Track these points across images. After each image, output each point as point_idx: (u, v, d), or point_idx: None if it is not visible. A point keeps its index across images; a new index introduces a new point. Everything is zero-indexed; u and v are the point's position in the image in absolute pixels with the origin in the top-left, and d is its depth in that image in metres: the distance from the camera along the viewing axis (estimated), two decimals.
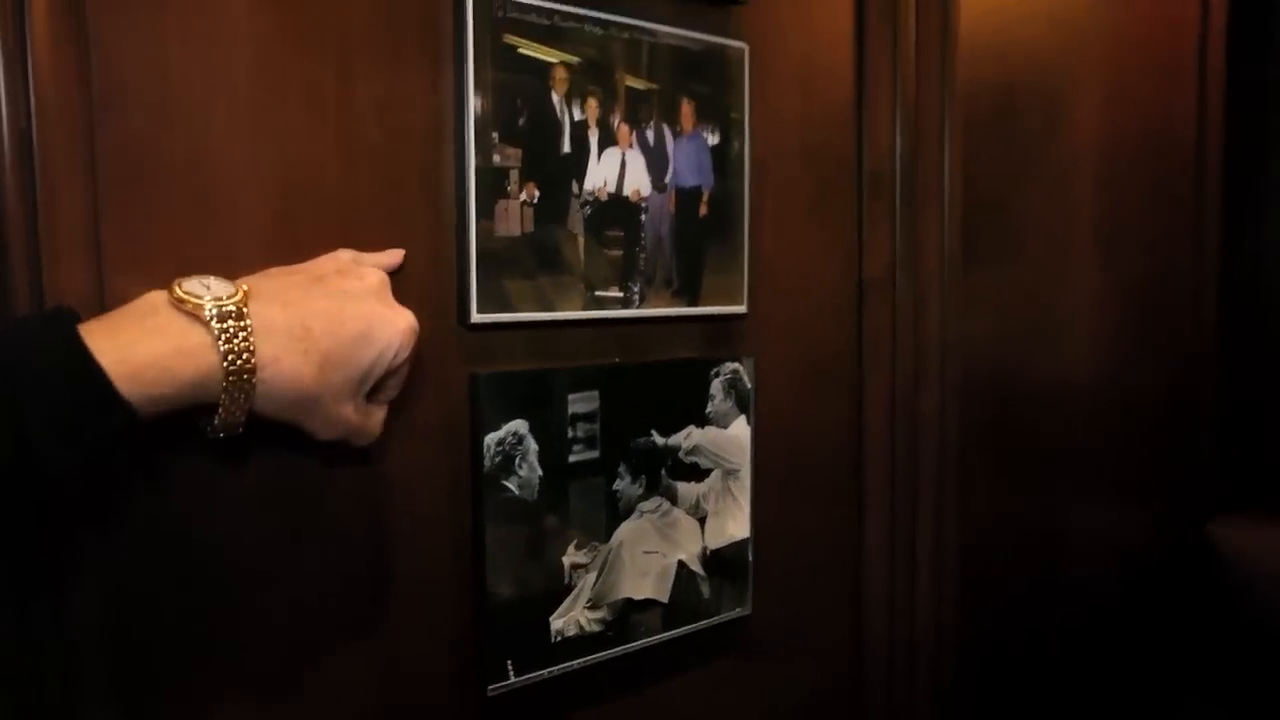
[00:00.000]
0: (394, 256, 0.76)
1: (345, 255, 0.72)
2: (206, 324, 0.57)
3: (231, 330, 0.58)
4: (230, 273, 0.64)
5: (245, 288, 0.61)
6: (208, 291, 0.59)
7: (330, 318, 0.63)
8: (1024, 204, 1.33)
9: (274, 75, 0.70)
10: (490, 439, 0.83)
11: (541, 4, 0.83)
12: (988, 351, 1.31)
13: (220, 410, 0.59)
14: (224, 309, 0.58)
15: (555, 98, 0.85)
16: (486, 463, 0.82)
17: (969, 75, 1.22)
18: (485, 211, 0.81)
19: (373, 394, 0.69)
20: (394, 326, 0.66)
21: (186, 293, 0.58)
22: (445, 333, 0.80)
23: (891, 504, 1.20)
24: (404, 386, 0.72)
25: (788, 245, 1.07)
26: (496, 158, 0.81)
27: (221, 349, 0.58)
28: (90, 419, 0.53)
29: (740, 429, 1.02)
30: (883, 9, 1.14)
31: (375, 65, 0.75)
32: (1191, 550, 1.61)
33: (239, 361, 0.58)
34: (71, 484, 0.56)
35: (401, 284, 0.75)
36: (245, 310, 0.59)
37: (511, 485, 0.84)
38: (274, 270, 0.68)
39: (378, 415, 0.71)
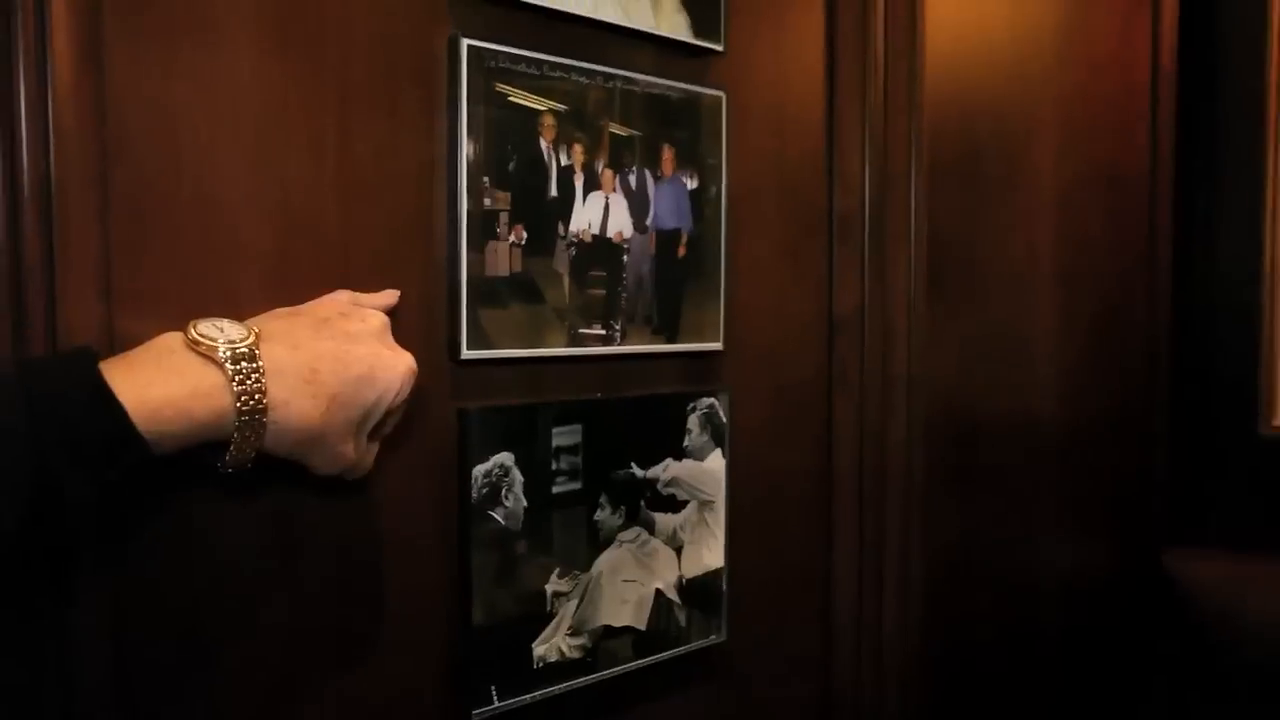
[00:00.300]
0: (390, 297, 0.79)
1: (344, 296, 0.75)
2: (221, 366, 0.60)
3: (245, 372, 0.61)
4: (233, 311, 0.67)
5: (256, 330, 0.64)
6: (221, 334, 0.62)
7: (336, 360, 0.66)
8: (987, 243, 1.39)
9: (278, 123, 0.74)
10: (478, 471, 0.86)
11: (531, 55, 0.87)
12: (952, 385, 1.35)
13: (231, 448, 0.62)
14: (237, 351, 0.61)
15: (544, 144, 0.88)
16: (474, 494, 0.85)
17: (934, 122, 1.28)
18: (476, 252, 0.84)
19: (370, 431, 0.72)
20: (395, 369, 0.70)
21: (201, 335, 0.61)
22: (436, 368, 0.83)
23: (860, 532, 1.24)
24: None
25: (762, 284, 1.11)
26: (487, 201, 0.85)
27: (235, 390, 0.60)
28: (110, 454, 0.56)
29: (716, 462, 1.06)
30: (852, 59, 1.19)
31: (373, 113, 0.79)
32: (1147, 578, 1.66)
33: (251, 403, 0.61)
34: (86, 513, 0.58)
35: (395, 321, 0.78)
36: (257, 352, 0.62)
37: (498, 515, 0.87)
38: (279, 311, 0.71)
39: (373, 451, 0.74)
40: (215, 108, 0.71)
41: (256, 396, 0.61)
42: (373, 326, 0.71)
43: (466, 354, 0.84)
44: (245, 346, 0.62)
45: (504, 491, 0.88)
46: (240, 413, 0.61)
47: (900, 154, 1.25)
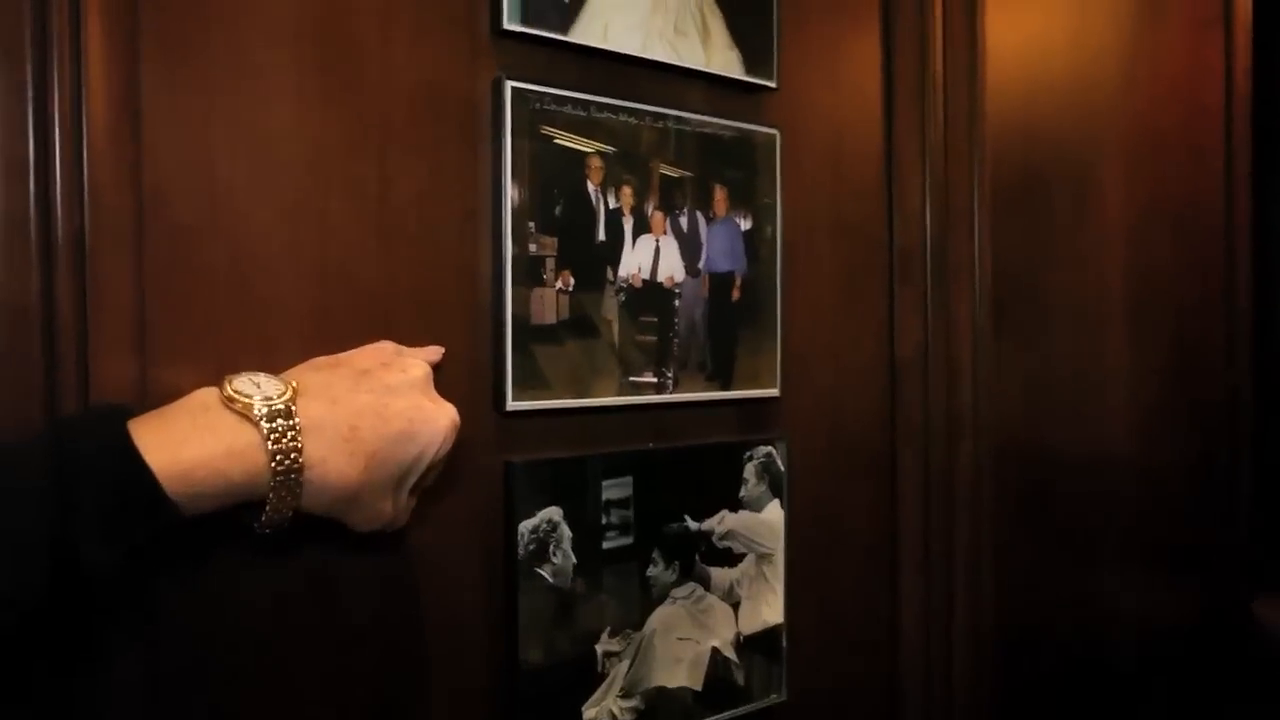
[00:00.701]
0: (434, 353, 0.76)
1: (388, 347, 0.73)
2: (256, 424, 0.58)
3: (281, 430, 0.58)
4: (271, 364, 0.65)
5: (294, 384, 0.61)
6: (258, 390, 0.60)
7: (376, 415, 0.64)
8: (1054, 279, 1.33)
9: (317, 170, 0.72)
10: (525, 526, 0.82)
11: (577, 95, 0.84)
12: (1021, 427, 1.30)
13: (267, 508, 0.60)
14: (274, 408, 0.59)
15: (591, 186, 0.86)
16: (520, 550, 0.82)
17: (996, 152, 1.23)
18: (521, 299, 0.81)
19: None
20: (436, 424, 0.67)
21: (237, 391, 0.59)
22: (481, 420, 0.81)
23: (926, 584, 1.18)
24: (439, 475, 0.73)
25: (820, 327, 1.07)
26: (533, 246, 0.82)
27: (270, 449, 0.58)
28: (136, 521, 0.54)
29: (774, 512, 1.01)
30: (911, 91, 1.15)
31: (416, 159, 0.77)
32: (1234, 629, 1.57)
33: (287, 461, 0.59)
34: (111, 580, 0.56)
35: (438, 372, 0.76)
36: (294, 409, 0.60)
37: (545, 573, 0.84)
38: (318, 360, 0.69)
39: (410, 504, 0.71)
40: (253, 157, 0.69)
41: (293, 455, 0.59)
42: (414, 377, 0.68)
43: (512, 405, 0.81)
44: (282, 403, 0.59)
45: (552, 547, 0.84)
46: (276, 472, 0.58)
47: (962, 187, 1.20)
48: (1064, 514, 1.36)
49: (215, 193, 0.67)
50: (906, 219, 1.16)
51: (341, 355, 0.69)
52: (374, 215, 0.75)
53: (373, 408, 0.64)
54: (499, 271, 0.81)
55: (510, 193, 0.80)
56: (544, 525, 0.84)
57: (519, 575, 0.82)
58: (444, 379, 0.77)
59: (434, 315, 0.78)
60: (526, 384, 0.82)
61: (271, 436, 0.58)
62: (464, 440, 0.78)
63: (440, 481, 0.77)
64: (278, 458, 0.58)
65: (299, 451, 0.59)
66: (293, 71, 0.71)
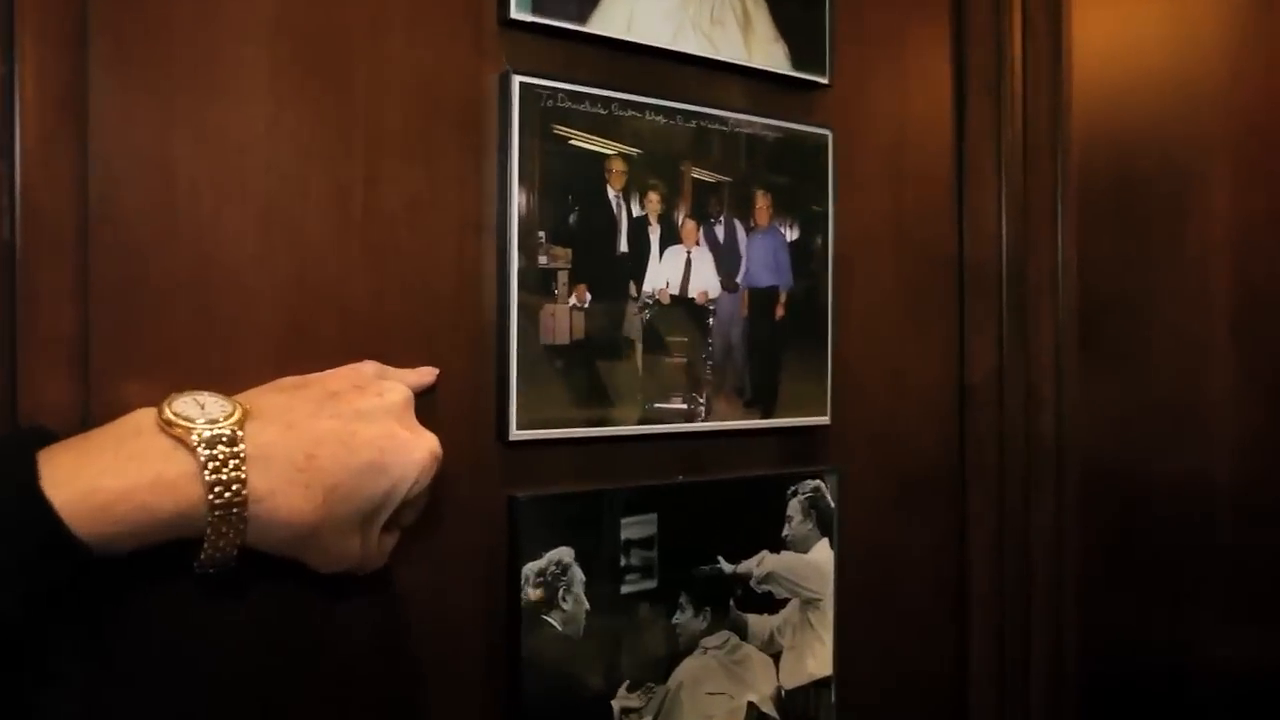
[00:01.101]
0: (426, 375, 0.69)
1: (369, 368, 0.65)
2: (193, 450, 0.51)
3: (221, 458, 0.51)
4: (235, 390, 0.58)
5: (246, 407, 0.54)
6: (201, 412, 0.53)
7: (339, 444, 0.56)
8: (1150, 295, 1.20)
9: (294, 177, 0.65)
10: (530, 569, 0.74)
11: (596, 92, 0.76)
12: (1110, 460, 1.17)
13: (206, 546, 0.53)
14: (215, 433, 0.52)
15: (611, 192, 0.77)
16: (525, 595, 0.74)
17: (1084, 155, 1.11)
18: (529, 316, 0.73)
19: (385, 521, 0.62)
20: (411, 455, 0.59)
21: (176, 413, 0.52)
22: (482, 450, 0.73)
23: (999, 636, 1.06)
24: (425, 511, 0.65)
25: (878, 348, 0.97)
26: (543, 258, 0.74)
27: (208, 480, 0.51)
28: (37, 565, 0.47)
29: (822, 553, 0.91)
30: (985, 84, 1.04)
31: (410, 163, 0.69)
32: None
33: (227, 494, 0.51)
34: (20, 628, 0.49)
35: (435, 398, 0.69)
36: (239, 435, 0.53)
37: (554, 620, 0.75)
38: (284, 381, 0.61)
39: (387, 544, 0.64)
40: (220, 162, 0.62)
41: (234, 487, 0.52)
42: (390, 403, 0.60)
43: (516, 434, 0.73)
44: (226, 427, 0.52)
45: (561, 592, 0.76)
46: (214, 506, 0.51)
47: (1044, 194, 1.08)
48: (1159, 555, 1.22)
49: (175, 201, 0.61)
50: (979, 229, 1.04)
51: (313, 376, 0.62)
52: (360, 226, 0.67)
53: (336, 435, 0.56)
54: (504, 285, 0.73)
55: (517, 199, 0.73)
56: (552, 567, 0.75)
57: (523, 623, 0.74)
58: (441, 405, 0.69)
59: (429, 335, 0.70)
60: (533, 410, 0.74)
61: (210, 465, 0.51)
62: (462, 472, 0.71)
63: (436, 518, 0.69)
64: (216, 489, 0.51)
65: (242, 483, 0.52)
66: (268, 68, 0.64)
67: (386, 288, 0.69)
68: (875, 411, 0.97)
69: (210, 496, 0.51)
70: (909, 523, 1.00)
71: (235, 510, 0.52)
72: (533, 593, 0.74)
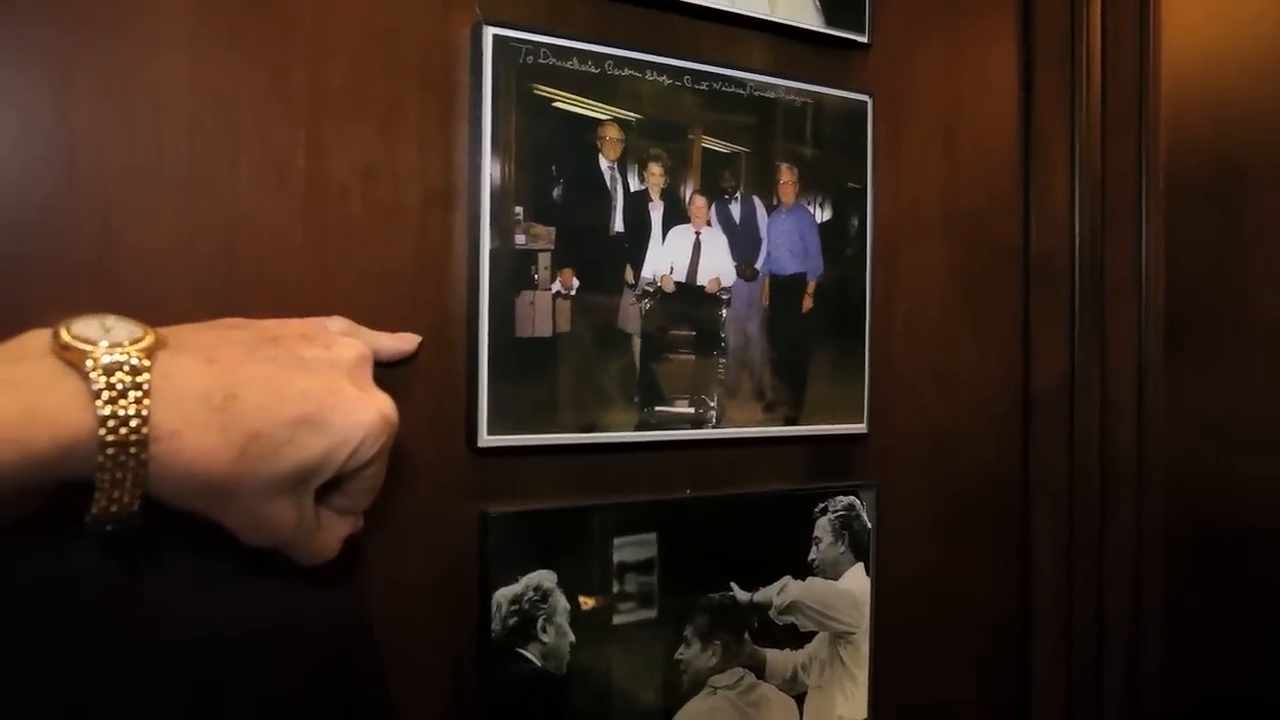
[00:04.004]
0: (404, 342, 0.60)
1: (335, 323, 0.56)
2: (85, 375, 0.42)
3: (120, 388, 0.42)
4: None
5: (162, 336, 0.45)
6: (105, 334, 0.43)
7: (269, 389, 0.47)
8: (1247, 291, 1.06)
9: (221, 140, 0.56)
10: (503, 595, 0.64)
11: (587, 48, 0.66)
12: (1199, 477, 1.03)
13: (97, 495, 0.43)
14: (116, 359, 0.42)
15: (604, 163, 0.67)
16: (496, 626, 0.64)
17: (1174, 132, 0.97)
18: (503, 305, 0.63)
19: (331, 498, 0.52)
20: (354, 415, 0.49)
21: (75, 335, 0.43)
22: (448, 459, 0.63)
23: (1067, 679, 0.93)
24: (382, 527, 0.56)
25: (925, 347, 0.85)
26: (521, 238, 0.64)
27: (101, 412, 0.42)
28: None
29: (856, 580, 0.80)
30: (1057, 48, 0.91)
31: (361, 124, 0.60)
32: None
33: (123, 430, 0.42)
34: None
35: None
36: (145, 364, 0.43)
37: (531, 654, 0.65)
38: (225, 320, 0.52)
39: (336, 529, 0.54)
40: (130, 121, 0.54)
41: (133, 423, 0.42)
42: (337, 356, 0.50)
43: (487, 440, 0.63)
44: (133, 352, 0.43)
45: (541, 622, 0.66)
46: (105, 443, 0.42)
47: (1125, 175, 0.95)
48: (1257, 586, 1.08)
49: (75, 166, 0.52)
50: (1049, 214, 0.92)
51: (262, 321, 0.53)
52: (300, 196, 0.58)
53: (265, 379, 0.47)
54: (474, 269, 0.63)
55: (490, 169, 0.63)
56: (530, 594, 0.65)
57: (493, 657, 0.64)
58: (400, 406, 0.60)
59: (383, 324, 0.61)
60: (508, 414, 0.64)
61: (104, 395, 0.42)
62: (426, 485, 0.62)
63: (395, 538, 0.60)
64: (109, 424, 0.41)
65: (143, 419, 0.42)
66: (189, 9, 0.55)
67: (333, 269, 0.59)
68: (921, 419, 0.85)
69: (102, 431, 0.41)
70: (960, 547, 0.88)
71: (134, 451, 0.42)
72: (506, 622, 0.64)
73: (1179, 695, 1.01)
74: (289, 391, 0.47)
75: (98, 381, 0.41)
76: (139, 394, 0.42)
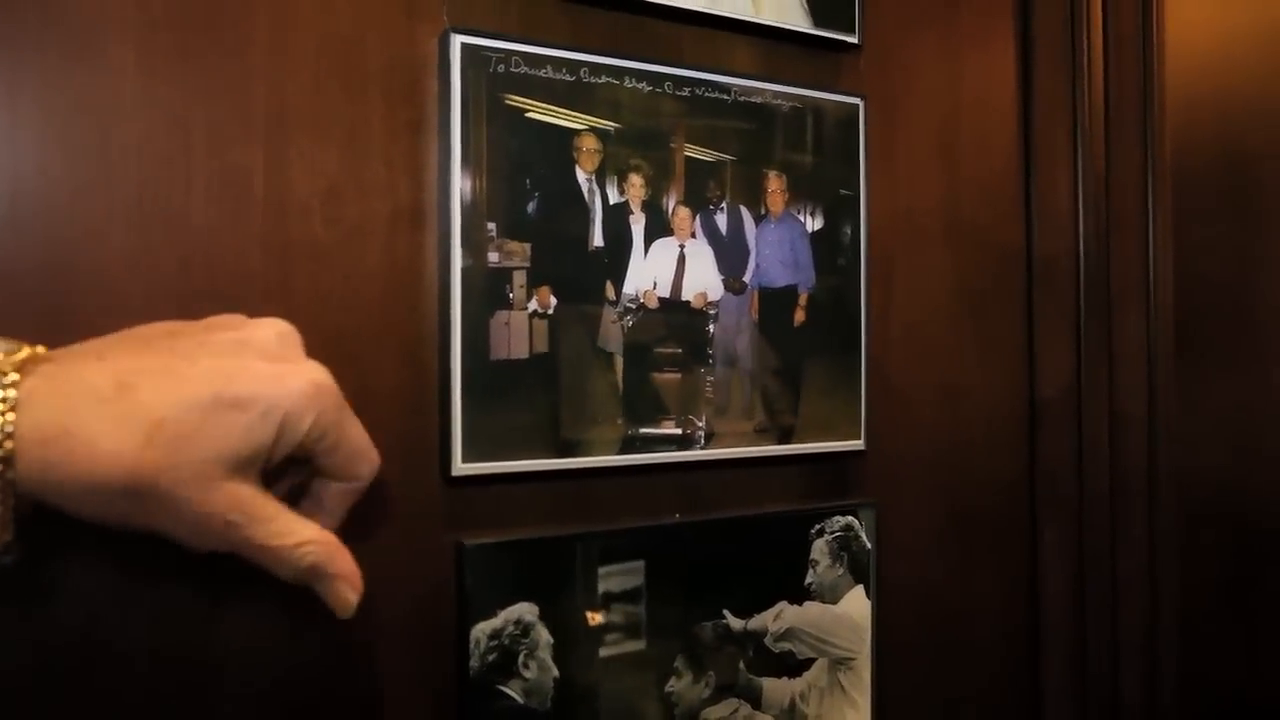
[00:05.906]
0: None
1: (274, 328, 0.49)
2: None
3: None
4: None
5: (41, 350, 0.42)
6: None
7: (167, 373, 0.43)
8: (1264, 294, 1.02)
9: (175, 160, 0.53)
10: (481, 630, 0.61)
11: (561, 54, 0.63)
12: (1214, 487, 0.99)
13: None
14: None
15: (581, 175, 0.64)
16: (475, 662, 0.61)
17: (1180, 130, 0.94)
18: (476, 326, 0.61)
19: (312, 486, 0.50)
20: (275, 386, 0.45)
21: None
22: (420, 489, 0.60)
23: (1083, 695, 0.90)
24: (355, 505, 0.51)
25: (925, 359, 0.82)
26: (494, 255, 0.61)
27: None
28: None
29: (856, 603, 0.77)
30: (1058, 46, 0.88)
31: (323, 142, 0.57)
32: None
33: None
34: None
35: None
36: (12, 377, 0.40)
37: (513, 691, 0.62)
38: (126, 331, 0.48)
39: (304, 532, 0.47)
40: (77, 140, 0.51)
41: None
42: (248, 337, 0.46)
43: (461, 469, 0.60)
44: (2, 364, 0.40)
45: (523, 657, 0.63)
46: None
47: (1130, 176, 0.92)
48: (1277, 594, 1.04)
49: (17, 187, 0.50)
50: (1051, 218, 0.88)
51: (168, 322, 0.49)
52: (259, 217, 0.56)
53: (162, 365, 0.43)
54: (445, 289, 0.60)
55: (460, 184, 0.60)
56: (510, 628, 0.62)
57: (471, 696, 0.61)
58: (374, 435, 0.57)
59: (350, 349, 0.58)
60: (484, 440, 0.61)
61: None
62: (397, 516, 0.59)
63: (364, 572, 0.57)
64: None
65: (6, 434, 0.39)
66: (138, 23, 0.53)
67: (296, 292, 0.57)
68: (922, 434, 0.82)
69: None
70: (965, 565, 0.85)
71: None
72: (485, 658, 0.61)
73: (1198, 712, 0.97)
74: (191, 373, 0.43)
75: None
76: (1, 407, 0.39)
